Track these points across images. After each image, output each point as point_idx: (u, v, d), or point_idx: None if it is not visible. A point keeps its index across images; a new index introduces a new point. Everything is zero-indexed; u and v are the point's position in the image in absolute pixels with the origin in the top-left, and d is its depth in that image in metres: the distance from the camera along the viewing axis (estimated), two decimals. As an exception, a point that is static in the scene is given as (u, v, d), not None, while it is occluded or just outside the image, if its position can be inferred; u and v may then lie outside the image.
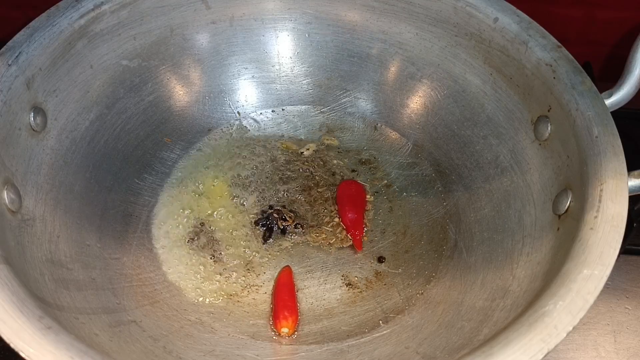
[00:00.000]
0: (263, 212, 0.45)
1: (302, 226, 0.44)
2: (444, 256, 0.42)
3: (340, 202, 0.45)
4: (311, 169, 0.48)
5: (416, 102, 0.48)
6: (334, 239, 0.43)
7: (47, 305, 0.29)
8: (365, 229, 0.44)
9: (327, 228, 0.44)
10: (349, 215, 0.44)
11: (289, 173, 0.48)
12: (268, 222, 0.44)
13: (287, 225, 0.44)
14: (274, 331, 0.38)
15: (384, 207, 0.46)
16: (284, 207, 0.45)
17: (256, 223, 0.44)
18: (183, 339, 0.36)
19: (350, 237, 0.43)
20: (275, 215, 0.44)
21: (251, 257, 0.42)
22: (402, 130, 0.49)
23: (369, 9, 0.47)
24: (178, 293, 0.40)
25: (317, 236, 0.44)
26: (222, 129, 0.50)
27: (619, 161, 0.32)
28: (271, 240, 0.43)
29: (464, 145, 0.45)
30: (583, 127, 0.34)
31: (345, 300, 0.40)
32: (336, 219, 0.45)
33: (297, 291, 0.41)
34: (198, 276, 0.41)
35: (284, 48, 0.50)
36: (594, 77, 0.52)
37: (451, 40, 0.45)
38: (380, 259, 0.42)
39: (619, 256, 0.28)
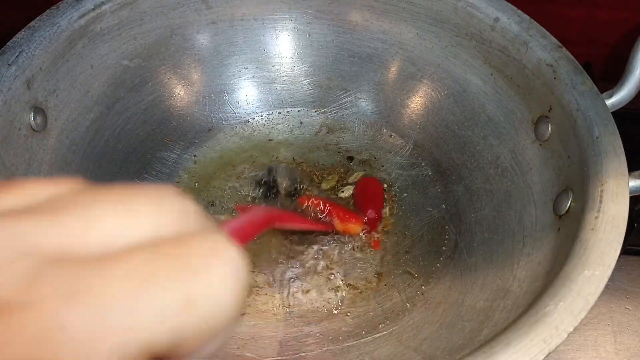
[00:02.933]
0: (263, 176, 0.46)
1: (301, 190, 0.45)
2: (444, 256, 0.42)
3: (358, 199, 0.45)
4: (311, 169, 0.48)
5: (417, 103, 0.48)
6: (335, 237, 0.43)
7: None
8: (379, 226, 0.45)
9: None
10: (368, 212, 0.44)
11: (289, 173, 0.47)
12: (269, 183, 0.45)
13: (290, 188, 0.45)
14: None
15: (384, 208, 0.46)
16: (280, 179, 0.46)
17: (257, 183, 0.45)
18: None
19: (364, 236, 0.44)
20: (276, 179, 0.45)
21: (251, 258, 0.42)
22: (402, 130, 0.49)
23: (370, 9, 0.47)
24: (178, 293, 0.40)
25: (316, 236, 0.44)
26: (222, 129, 0.50)
27: (620, 161, 0.32)
28: (272, 197, 0.44)
29: (464, 146, 0.45)
30: (584, 128, 0.34)
31: (346, 300, 0.40)
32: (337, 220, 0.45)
33: (297, 292, 0.41)
34: (198, 276, 0.41)
35: (284, 48, 0.50)
36: (595, 77, 0.52)
37: (452, 41, 0.45)
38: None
39: (619, 257, 0.28)
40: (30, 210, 0.11)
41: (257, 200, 0.44)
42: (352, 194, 0.46)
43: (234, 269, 0.12)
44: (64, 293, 0.09)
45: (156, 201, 0.12)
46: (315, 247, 0.43)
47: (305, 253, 0.43)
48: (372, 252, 0.43)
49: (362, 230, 0.43)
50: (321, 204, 0.43)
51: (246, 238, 0.18)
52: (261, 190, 0.44)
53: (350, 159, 0.49)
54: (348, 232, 0.43)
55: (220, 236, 0.12)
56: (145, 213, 0.11)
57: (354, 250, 0.43)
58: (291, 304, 0.40)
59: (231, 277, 0.12)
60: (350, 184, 0.47)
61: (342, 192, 0.46)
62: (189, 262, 0.11)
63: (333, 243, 0.43)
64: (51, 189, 0.12)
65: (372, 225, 0.44)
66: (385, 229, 0.44)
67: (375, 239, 0.43)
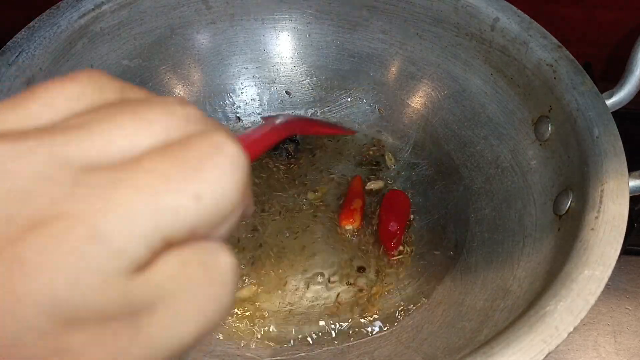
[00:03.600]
0: None
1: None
2: (444, 256, 0.42)
3: (385, 210, 0.44)
4: (312, 169, 0.48)
5: (417, 102, 0.48)
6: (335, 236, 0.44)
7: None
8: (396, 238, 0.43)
9: (327, 228, 0.44)
10: (391, 225, 0.43)
11: (291, 175, 0.48)
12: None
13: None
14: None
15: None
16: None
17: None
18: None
19: (385, 246, 0.43)
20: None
21: (250, 257, 0.42)
22: (402, 130, 0.49)
23: (370, 9, 0.47)
24: (178, 293, 0.40)
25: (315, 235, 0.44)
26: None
27: (620, 161, 0.32)
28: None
29: (464, 146, 0.45)
30: (584, 128, 0.34)
31: (346, 300, 0.40)
32: (335, 221, 0.45)
33: (297, 290, 0.41)
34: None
35: (284, 48, 0.50)
36: (595, 77, 0.52)
37: (452, 40, 0.45)
38: (360, 269, 0.42)
39: (619, 257, 0.28)
40: (59, 126, 0.12)
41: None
42: (381, 190, 0.46)
43: (235, 162, 0.13)
44: (98, 203, 0.11)
45: (165, 109, 0.14)
46: (316, 246, 0.43)
47: (306, 252, 0.43)
48: (372, 252, 0.43)
49: (355, 227, 0.44)
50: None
51: (259, 149, 0.20)
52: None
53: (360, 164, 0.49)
54: (343, 224, 0.44)
55: (221, 134, 0.13)
56: (156, 120, 0.13)
57: (354, 249, 0.43)
58: (291, 303, 0.40)
59: (232, 169, 0.13)
60: (380, 180, 0.47)
61: (372, 184, 0.47)
62: (194, 161, 0.13)
63: (334, 242, 0.43)
64: (70, 95, 0.13)
65: (391, 237, 0.43)
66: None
67: (395, 256, 0.43)
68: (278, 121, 0.24)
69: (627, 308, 0.43)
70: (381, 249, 0.43)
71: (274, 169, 0.48)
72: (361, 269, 0.42)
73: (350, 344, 0.37)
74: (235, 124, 0.50)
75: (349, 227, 0.44)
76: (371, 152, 0.49)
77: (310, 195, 0.46)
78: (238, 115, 0.50)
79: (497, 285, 0.36)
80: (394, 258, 0.42)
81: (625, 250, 0.45)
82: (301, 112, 0.51)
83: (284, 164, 0.48)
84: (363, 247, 0.43)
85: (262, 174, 0.47)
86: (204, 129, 0.14)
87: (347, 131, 0.47)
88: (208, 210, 0.13)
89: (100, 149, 0.12)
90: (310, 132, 0.32)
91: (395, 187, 0.47)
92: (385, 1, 0.46)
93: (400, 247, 0.43)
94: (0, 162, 0.11)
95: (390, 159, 0.48)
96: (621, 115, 0.36)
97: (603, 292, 0.27)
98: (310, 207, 0.45)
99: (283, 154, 0.49)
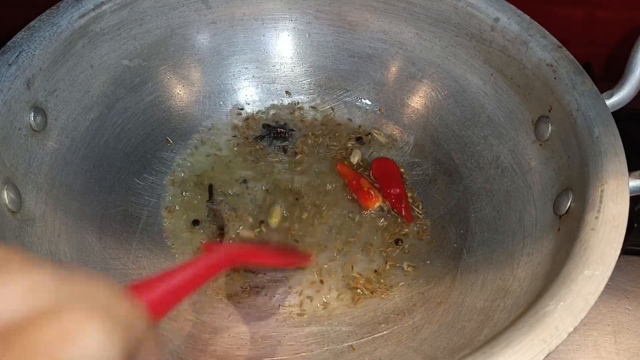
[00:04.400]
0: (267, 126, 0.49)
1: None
2: (444, 256, 0.42)
3: (380, 179, 0.46)
4: (312, 165, 0.48)
5: (417, 102, 0.48)
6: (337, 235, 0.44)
7: (47, 306, 0.29)
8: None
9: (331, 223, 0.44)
10: (392, 190, 0.45)
11: (290, 173, 0.48)
12: (274, 134, 0.48)
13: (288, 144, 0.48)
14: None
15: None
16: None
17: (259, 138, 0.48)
18: (183, 339, 0.36)
19: (396, 212, 0.45)
20: (281, 130, 0.48)
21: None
22: (402, 130, 0.49)
23: (370, 9, 0.47)
24: (178, 293, 0.40)
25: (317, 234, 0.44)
26: (222, 129, 0.50)
27: (620, 162, 0.32)
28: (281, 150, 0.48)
29: (464, 146, 0.45)
30: (584, 128, 0.34)
31: (346, 300, 0.40)
32: (339, 218, 0.45)
33: (297, 292, 0.41)
34: (198, 276, 0.41)
35: (284, 48, 0.50)
36: (595, 77, 0.52)
37: (452, 41, 0.45)
38: (398, 241, 0.43)
39: (619, 257, 0.28)
40: None
41: (264, 144, 0.48)
42: (361, 160, 0.47)
43: (95, 352, 0.10)
44: None
45: None
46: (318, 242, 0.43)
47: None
48: (372, 252, 0.43)
49: (383, 202, 0.45)
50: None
51: (171, 303, 0.16)
52: (270, 136, 0.47)
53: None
54: (371, 206, 0.45)
55: (79, 311, 0.10)
56: None
57: (355, 250, 0.43)
58: (291, 304, 0.40)
59: None
60: (357, 148, 0.48)
61: (352, 156, 0.48)
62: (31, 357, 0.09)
63: (334, 241, 0.43)
64: None
65: (398, 201, 0.44)
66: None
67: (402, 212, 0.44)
68: (216, 255, 0.20)
69: (627, 308, 0.43)
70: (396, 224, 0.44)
71: (276, 163, 0.48)
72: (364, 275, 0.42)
73: (350, 343, 0.37)
74: (235, 125, 0.50)
75: (377, 205, 0.45)
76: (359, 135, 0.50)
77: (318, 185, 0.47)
78: (238, 115, 0.50)
79: (497, 285, 0.36)
80: (415, 222, 0.44)
81: (625, 250, 0.45)
82: (302, 111, 0.51)
83: (284, 158, 0.48)
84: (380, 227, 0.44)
85: (266, 174, 0.47)
86: (56, 303, 0.10)
87: (300, 261, 0.39)
88: None
89: None
90: (256, 262, 0.26)
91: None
92: (385, 1, 0.46)
93: (417, 213, 0.45)
94: None
95: (380, 134, 0.49)
96: (621, 115, 0.36)
97: (603, 292, 0.27)
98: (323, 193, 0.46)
99: (280, 149, 0.49)
